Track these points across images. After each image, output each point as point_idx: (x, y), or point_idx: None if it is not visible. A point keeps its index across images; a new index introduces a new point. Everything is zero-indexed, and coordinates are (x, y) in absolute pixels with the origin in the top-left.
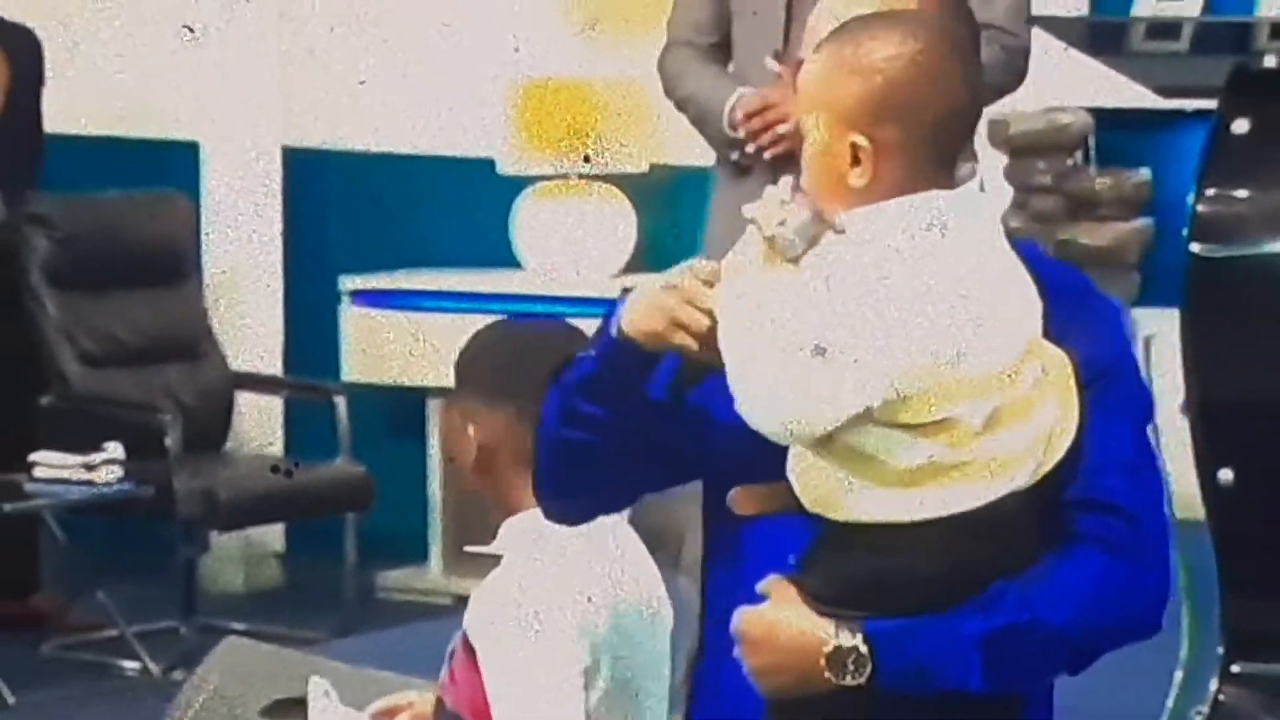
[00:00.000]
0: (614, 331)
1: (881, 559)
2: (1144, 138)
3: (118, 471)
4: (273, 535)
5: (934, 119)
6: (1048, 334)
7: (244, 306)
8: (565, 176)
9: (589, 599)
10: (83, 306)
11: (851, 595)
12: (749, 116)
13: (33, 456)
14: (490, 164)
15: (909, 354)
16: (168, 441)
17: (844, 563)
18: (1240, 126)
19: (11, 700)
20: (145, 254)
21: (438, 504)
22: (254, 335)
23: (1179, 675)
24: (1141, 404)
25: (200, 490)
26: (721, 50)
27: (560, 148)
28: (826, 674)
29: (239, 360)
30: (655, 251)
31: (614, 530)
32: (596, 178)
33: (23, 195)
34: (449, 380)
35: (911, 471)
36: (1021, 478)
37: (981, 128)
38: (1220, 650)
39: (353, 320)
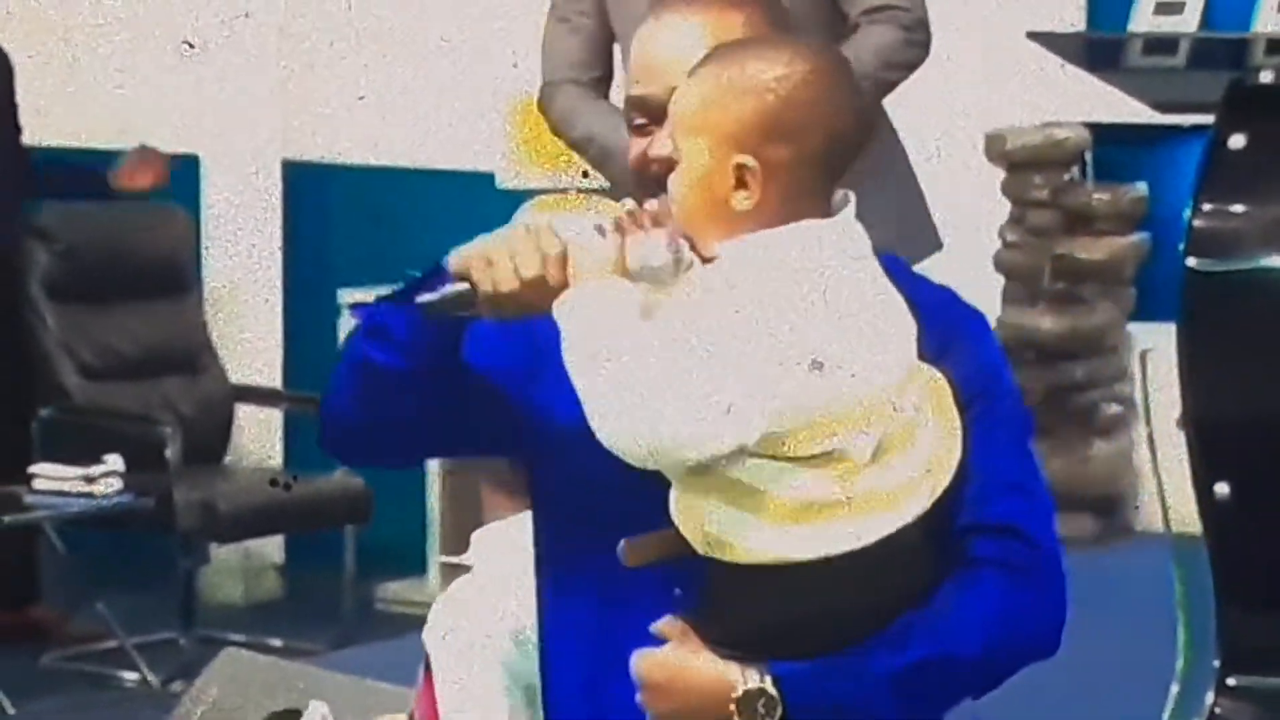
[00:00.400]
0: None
1: (779, 599)
2: (1141, 153)
3: (117, 484)
4: (272, 547)
5: (823, 140)
6: (923, 355)
7: (244, 319)
8: (564, 190)
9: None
10: (83, 319)
11: (752, 637)
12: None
13: (32, 468)
14: (490, 178)
15: (786, 386)
16: (167, 454)
17: (741, 604)
18: (1237, 141)
19: (11, 711)
20: (145, 267)
21: (436, 517)
22: (254, 348)
23: (1175, 689)
24: (1021, 419)
25: (200, 502)
26: (605, 84)
27: (559, 162)
28: (737, 718)
29: (238, 373)
30: None
31: None
32: (595, 191)
33: (12, 215)
34: None
35: (800, 507)
36: (915, 507)
37: (980, 141)
38: (1216, 663)
39: None
